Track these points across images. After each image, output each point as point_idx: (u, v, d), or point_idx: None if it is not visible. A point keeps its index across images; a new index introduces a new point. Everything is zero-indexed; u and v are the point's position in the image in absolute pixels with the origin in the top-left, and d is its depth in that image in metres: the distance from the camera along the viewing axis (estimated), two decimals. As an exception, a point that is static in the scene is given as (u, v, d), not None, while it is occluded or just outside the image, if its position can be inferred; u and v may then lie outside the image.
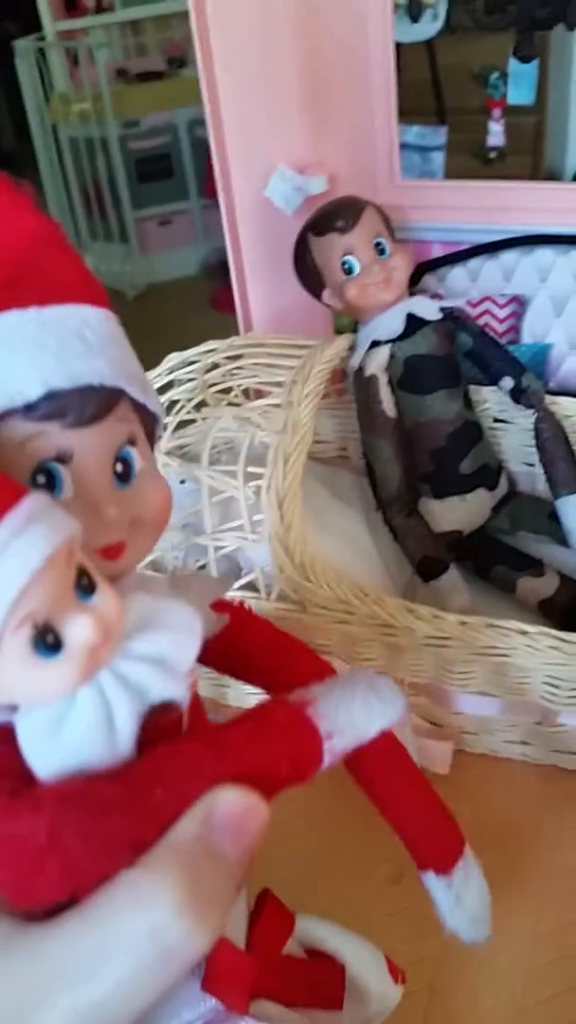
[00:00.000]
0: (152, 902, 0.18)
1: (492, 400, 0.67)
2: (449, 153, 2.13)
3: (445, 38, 1.72)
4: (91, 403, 0.26)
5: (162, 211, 2.82)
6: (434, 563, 0.60)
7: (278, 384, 0.59)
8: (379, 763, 0.29)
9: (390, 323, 0.61)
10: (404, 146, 2.21)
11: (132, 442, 0.27)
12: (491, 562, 0.63)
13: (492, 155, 2.16)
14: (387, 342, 0.61)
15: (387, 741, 0.27)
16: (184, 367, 0.63)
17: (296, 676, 0.26)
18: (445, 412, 0.62)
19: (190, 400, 0.61)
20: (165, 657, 0.20)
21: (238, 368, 0.63)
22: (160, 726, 0.20)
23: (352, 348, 0.63)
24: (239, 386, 0.63)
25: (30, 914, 0.19)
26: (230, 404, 0.61)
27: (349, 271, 0.60)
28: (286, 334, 0.63)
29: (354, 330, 0.65)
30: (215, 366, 0.63)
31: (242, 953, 0.24)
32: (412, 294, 0.63)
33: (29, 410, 0.25)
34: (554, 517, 0.62)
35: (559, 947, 0.47)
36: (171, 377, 0.63)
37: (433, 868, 0.31)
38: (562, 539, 0.62)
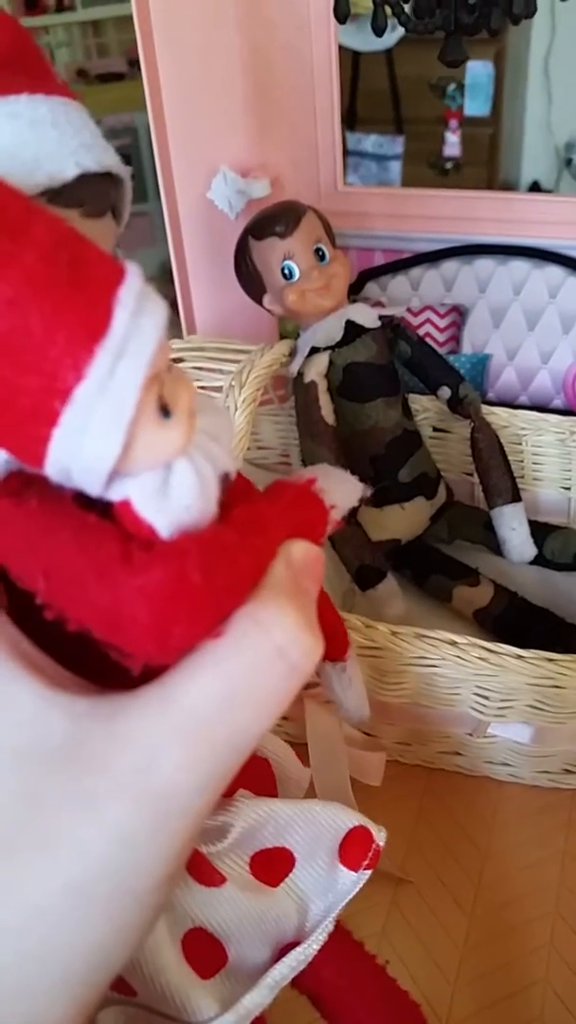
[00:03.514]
0: (277, 626, 0.19)
1: (432, 409, 0.67)
2: (406, 163, 2.15)
3: (403, 48, 1.73)
4: (107, 193, 0.28)
5: (120, 212, 2.79)
6: (371, 572, 0.60)
7: (217, 389, 0.59)
8: None
9: (329, 330, 0.60)
10: (362, 155, 2.21)
11: (119, 245, 0.29)
12: (428, 571, 0.63)
13: (448, 165, 2.18)
14: (326, 349, 0.61)
15: None
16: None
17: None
18: (384, 420, 0.62)
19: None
20: (219, 433, 0.22)
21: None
22: (224, 494, 0.22)
23: (292, 354, 0.62)
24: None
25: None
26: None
27: (289, 276, 0.59)
28: (226, 338, 0.63)
29: (297, 336, 0.64)
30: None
31: None
32: (353, 301, 0.63)
33: (57, 193, 0.26)
34: (490, 526, 0.62)
35: (490, 959, 0.47)
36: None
37: (331, 658, 0.35)
38: (497, 549, 0.62)
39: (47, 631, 0.20)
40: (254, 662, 0.19)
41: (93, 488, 0.19)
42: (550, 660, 0.46)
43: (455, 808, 0.55)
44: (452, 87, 1.93)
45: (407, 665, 0.49)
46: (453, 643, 0.47)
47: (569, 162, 2.03)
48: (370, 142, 2.06)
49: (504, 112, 1.93)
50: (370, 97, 1.93)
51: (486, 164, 1.98)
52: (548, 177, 2.07)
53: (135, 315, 0.18)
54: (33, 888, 0.17)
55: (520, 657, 0.46)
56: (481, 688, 0.48)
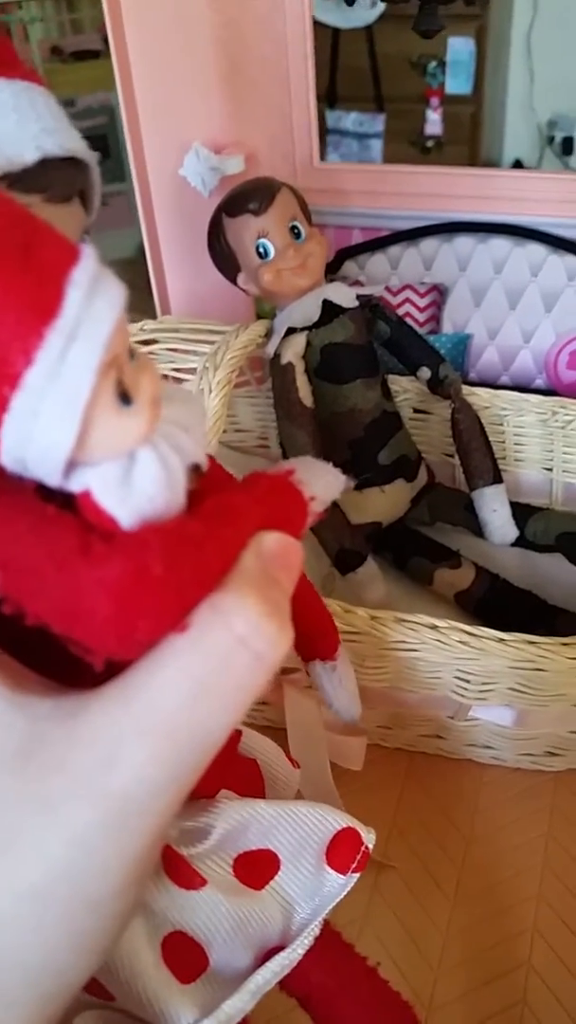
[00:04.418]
0: (237, 615, 0.19)
1: (412, 390, 0.66)
2: (387, 141, 2.13)
3: (383, 25, 1.71)
4: (73, 179, 0.28)
5: (99, 193, 2.75)
6: (351, 555, 0.59)
7: (191, 371, 0.57)
8: None
9: (306, 310, 0.59)
10: (343, 133, 2.19)
11: (87, 230, 0.28)
12: (409, 553, 0.63)
13: (430, 144, 2.16)
14: (303, 329, 0.59)
15: None
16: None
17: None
18: (363, 402, 0.61)
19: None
20: (189, 423, 0.22)
21: (151, 354, 0.61)
22: (196, 486, 0.22)
23: (268, 335, 0.61)
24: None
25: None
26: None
27: (263, 255, 0.58)
28: (200, 319, 0.61)
29: (274, 316, 0.63)
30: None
31: None
32: (330, 280, 0.62)
33: (19, 178, 0.26)
34: (471, 508, 0.61)
35: (473, 943, 0.47)
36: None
37: (321, 656, 0.35)
38: (479, 530, 0.61)
39: (11, 630, 0.19)
40: (216, 654, 0.18)
41: (51, 478, 0.19)
42: (531, 643, 0.45)
43: (437, 792, 0.54)
44: (433, 65, 1.91)
45: (387, 649, 0.48)
46: (434, 627, 0.47)
47: (551, 140, 2.01)
48: (350, 120, 2.04)
49: (486, 90, 1.91)
50: (350, 75, 1.91)
51: (468, 142, 1.96)
52: (530, 155, 2.05)
53: (89, 296, 0.17)
54: None
55: (501, 640, 0.45)
56: (462, 672, 0.48)
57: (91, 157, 0.30)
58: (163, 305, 0.73)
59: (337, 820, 0.32)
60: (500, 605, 0.58)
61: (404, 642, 0.48)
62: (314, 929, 0.31)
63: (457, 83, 1.94)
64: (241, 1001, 0.28)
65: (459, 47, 1.85)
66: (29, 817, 0.17)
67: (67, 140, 0.29)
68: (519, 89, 1.98)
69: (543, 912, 0.48)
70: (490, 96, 1.93)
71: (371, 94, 1.95)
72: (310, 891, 0.31)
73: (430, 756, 0.56)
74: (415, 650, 0.48)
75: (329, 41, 1.80)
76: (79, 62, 2.73)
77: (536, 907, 0.48)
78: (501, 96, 1.99)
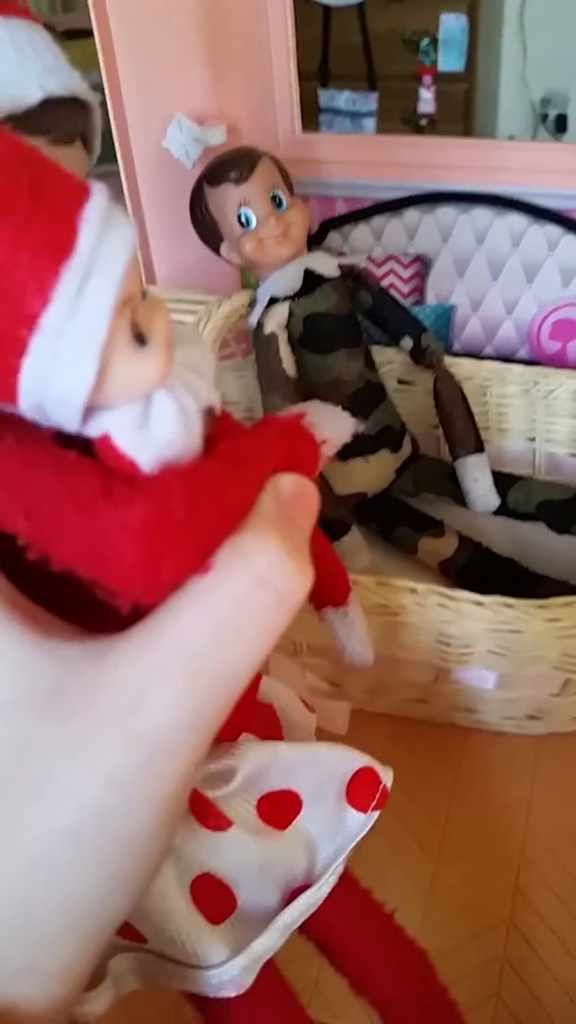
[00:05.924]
0: (259, 554, 0.19)
1: (397, 361, 0.66)
2: (380, 119, 2.11)
3: (376, 2, 1.69)
4: (76, 120, 0.28)
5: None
6: (336, 524, 0.59)
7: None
8: None
9: (288, 279, 0.59)
10: (335, 111, 2.17)
11: (88, 174, 0.28)
12: (394, 523, 0.63)
13: (423, 122, 2.14)
14: (286, 299, 0.59)
15: None
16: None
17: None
18: (347, 372, 0.61)
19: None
20: (201, 365, 0.21)
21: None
22: (209, 429, 0.22)
23: (252, 305, 0.61)
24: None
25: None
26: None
27: (245, 224, 0.58)
28: (184, 290, 0.62)
29: (258, 286, 0.63)
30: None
31: None
32: (313, 250, 0.62)
33: (22, 119, 0.26)
34: (455, 479, 0.61)
35: (455, 903, 0.48)
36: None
37: (333, 603, 0.35)
38: (462, 500, 0.62)
39: (38, 580, 0.20)
40: (238, 593, 0.18)
41: (70, 423, 0.19)
42: (508, 605, 0.46)
43: (421, 756, 0.55)
44: (426, 42, 1.89)
45: (368, 614, 0.49)
46: (413, 591, 0.47)
47: (545, 117, 2.00)
48: (343, 99, 2.02)
49: (479, 67, 1.89)
50: (342, 53, 1.88)
51: (461, 120, 1.94)
52: (524, 133, 2.03)
53: (102, 233, 0.17)
54: (26, 834, 0.17)
55: (479, 603, 0.46)
56: (442, 635, 0.48)
57: (93, 98, 0.30)
58: (148, 277, 0.73)
59: (356, 760, 0.33)
60: (482, 573, 0.59)
61: (385, 606, 0.48)
62: (338, 867, 0.31)
63: (449, 60, 1.92)
64: (271, 939, 0.29)
65: (451, 23, 1.83)
66: (60, 760, 0.17)
67: (69, 80, 0.29)
68: (512, 66, 1.96)
69: (524, 872, 0.49)
70: (483, 73, 1.91)
71: (364, 72, 1.93)
72: (332, 830, 0.32)
73: (414, 720, 0.57)
74: (396, 614, 0.48)
75: (321, 19, 1.78)
76: (71, 40, 2.71)
77: (517, 867, 0.49)
78: (494, 73, 1.97)
